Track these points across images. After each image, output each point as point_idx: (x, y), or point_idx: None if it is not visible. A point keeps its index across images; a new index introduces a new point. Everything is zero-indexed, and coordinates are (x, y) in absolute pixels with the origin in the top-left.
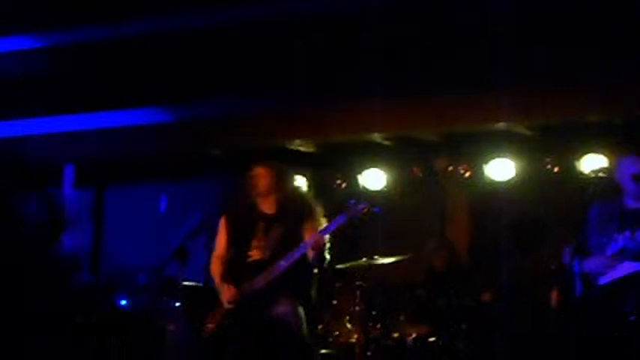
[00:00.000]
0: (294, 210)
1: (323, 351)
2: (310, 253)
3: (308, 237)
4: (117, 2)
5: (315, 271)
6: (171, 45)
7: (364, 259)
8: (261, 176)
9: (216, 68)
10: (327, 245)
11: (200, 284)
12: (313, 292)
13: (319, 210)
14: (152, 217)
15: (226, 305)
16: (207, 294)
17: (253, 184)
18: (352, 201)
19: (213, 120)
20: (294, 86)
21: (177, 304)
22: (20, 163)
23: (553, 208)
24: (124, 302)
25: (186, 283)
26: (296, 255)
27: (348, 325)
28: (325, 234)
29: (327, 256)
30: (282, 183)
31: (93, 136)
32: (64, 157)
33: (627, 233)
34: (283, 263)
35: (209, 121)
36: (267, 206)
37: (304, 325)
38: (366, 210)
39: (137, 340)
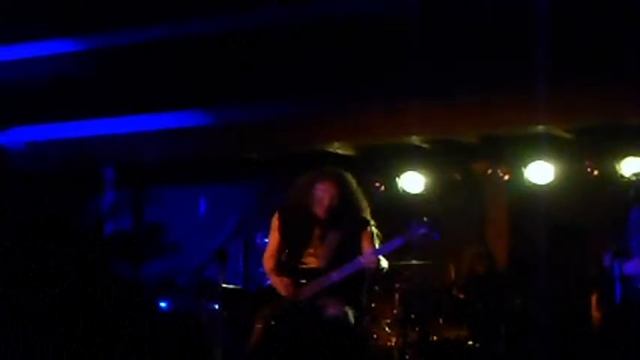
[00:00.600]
0: (354, 222)
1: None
2: (366, 269)
3: (365, 248)
4: (155, 4)
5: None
6: (212, 48)
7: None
8: (328, 192)
9: (256, 72)
10: (383, 261)
11: (239, 287)
12: (364, 299)
13: (372, 221)
14: (191, 219)
15: (284, 294)
16: (247, 297)
17: (318, 197)
18: (414, 223)
19: (253, 124)
20: (332, 90)
21: (217, 306)
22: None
23: (593, 212)
24: (164, 304)
25: (225, 285)
26: (349, 270)
27: (387, 329)
28: (380, 254)
29: (385, 265)
30: (345, 196)
31: (133, 139)
32: (104, 160)
33: None
34: (335, 276)
35: (248, 124)
36: (323, 211)
37: (354, 329)
38: (425, 235)
39: (177, 342)
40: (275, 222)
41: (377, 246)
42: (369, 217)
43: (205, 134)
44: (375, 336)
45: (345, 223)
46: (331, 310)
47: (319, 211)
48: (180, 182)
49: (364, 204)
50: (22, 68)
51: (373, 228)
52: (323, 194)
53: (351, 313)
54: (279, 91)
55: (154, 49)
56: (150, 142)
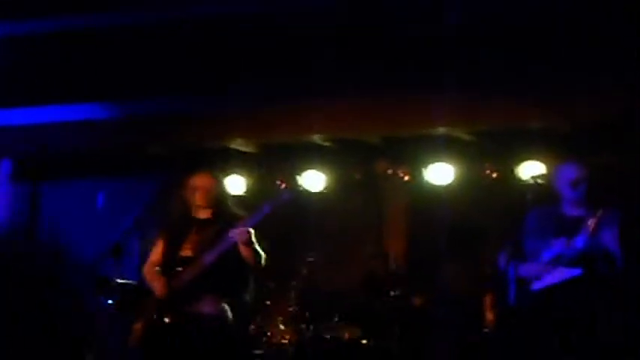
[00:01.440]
0: (228, 215)
1: (256, 351)
2: (243, 251)
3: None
4: None
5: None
6: (112, 40)
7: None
8: (205, 189)
9: (158, 66)
10: (255, 240)
11: (134, 283)
12: (248, 295)
13: (245, 215)
14: (89, 213)
15: (158, 295)
16: (141, 293)
17: (197, 197)
18: (283, 194)
19: (154, 118)
20: (236, 87)
21: (110, 301)
22: None
23: (491, 214)
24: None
25: (120, 280)
26: (221, 248)
27: (281, 326)
28: (250, 225)
29: (262, 252)
30: (220, 195)
31: (31, 131)
32: (1, 152)
33: (563, 239)
34: (208, 257)
35: (150, 118)
36: (204, 213)
37: (232, 326)
38: (290, 200)
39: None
40: (160, 237)
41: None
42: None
43: (104, 127)
44: (268, 333)
45: (220, 218)
46: (206, 309)
47: (195, 209)
48: (80, 176)
49: (231, 200)
50: None
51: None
52: (198, 193)
53: (228, 310)
54: (182, 86)
55: (55, 40)
56: (50, 134)
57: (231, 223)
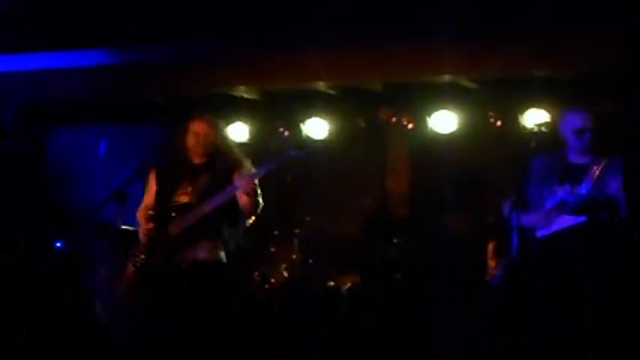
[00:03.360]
0: (223, 160)
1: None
2: (243, 199)
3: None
4: None
5: (251, 220)
6: None
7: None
8: (201, 134)
9: (160, 12)
10: (259, 191)
11: (135, 229)
12: (242, 240)
13: (248, 163)
14: (92, 160)
15: (144, 240)
16: (132, 238)
17: (191, 141)
18: (292, 151)
19: (157, 65)
20: (239, 33)
21: (111, 247)
22: None
23: (495, 162)
24: (59, 244)
25: (123, 227)
26: (221, 198)
27: (285, 273)
28: (254, 178)
29: (261, 201)
30: (217, 140)
31: (33, 78)
32: (4, 98)
33: (567, 187)
34: (208, 206)
35: (152, 66)
36: (199, 158)
37: (225, 272)
38: (295, 156)
39: (70, 281)
40: (151, 175)
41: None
42: (245, 162)
43: (107, 74)
44: (272, 280)
45: (218, 165)
46: (200, 254)
47: (191, 154)
48: (82, 123)
49: (236, 147)
50: None
51: (249, 166)
52: (195, 137)
53: (224, 255)
54: (185, 32)
55: None
56: (51, 82)
57: (229, 170)
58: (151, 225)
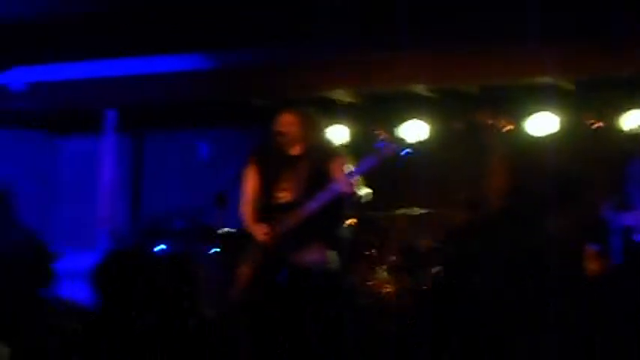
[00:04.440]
0: (321, 152)
1: (358, 301)
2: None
3: (336, 175)
4: None
5: (351, 221)
6: None
7: (401, 211)
8: (290, 123)
9: (261, 16)
10: (360, 184)
11: (237, 231)
12: (344, 236)
13: (342, 152)
14: (191, 163)
15: (262, 241)
16: (243, 240)
17: (282, 132)
18: (382, 144)
19: (256, 68)
20: (338, 36)
21: (214, 250)
22: None
23: (593, 164)
24: (161, 247)
25: (223, 229)
26: (326, 196)
27: (384, 275)
28: (355, 175)
29: (363, 192)
30: (310, 130)
31: (136, 82)
32: (106, 103)
33: None
34: (313, 204)
35: (252, 69)
36: (295, 150)
37: (339, 271)
38: (395, 152)
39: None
40: (250, 169)
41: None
42: (342, 153)
43: (208, 77)
44: (371, 283)
45: (313, 155)
46: (313, 256)
47: (287, 147)
48: (182, 126)
49: (330, 139)
50: (24, 6)
51: (344, 158)
52: (286, 127)
53: (334, 256)
54: (283, 35)
55: None
56: (153, 85)
57: (324, 161)
58: (260, 225)
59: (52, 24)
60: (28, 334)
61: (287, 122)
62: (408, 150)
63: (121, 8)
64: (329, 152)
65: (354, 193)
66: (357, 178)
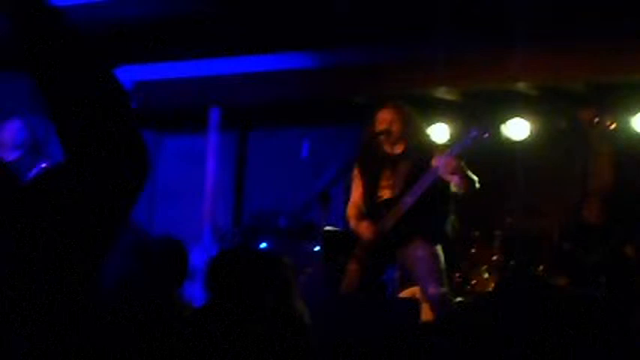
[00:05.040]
0: (422, 149)
1: (459, 299)
2: (454, 179)
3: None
4: None
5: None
6: None
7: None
8: (390, 121)
9: (363, 14)
10: (465, 168)
11: (340, 229)
12: (449, 228)
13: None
14: (294, 161)
15: (368, 240)
16: (347, 239)
17: (382, 130)
18: (473, 130)
19: (359, 66)
20: (440, 34)
21: (317, 248)
22: None
23: None
24: (264, 245)
25: (327, 228)
26: (421, 189)
27: (485, 275)
28: (452, 155)
29: (474, 177)
30: (410, 126)
31: (238, 80)
32: (209, 100)
33: None
34: (409, 199)
35: (354, 67)
36: (396, 148)
37: (442, 270)
38: (477, 138)
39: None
40: (355, 171)
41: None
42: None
43: (311, 76)
44: (474, 281)
45: (415, 153)
46: (418, 252)
47: (388, 145)
48: (284, 124)
49: (430, 135)
50: (128, 6)
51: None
52: (387, 125)
53: (439, 250)
54: (386, 33)
55: None
56: (256, 84)
57: (426, 156)
58: (364, 222)
59: (158, 23)
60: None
61: (386, 120)
62: (486, 133)
63: (226, 7)
64: (431, 149)
65: (465, 173)
66: (458, 162)
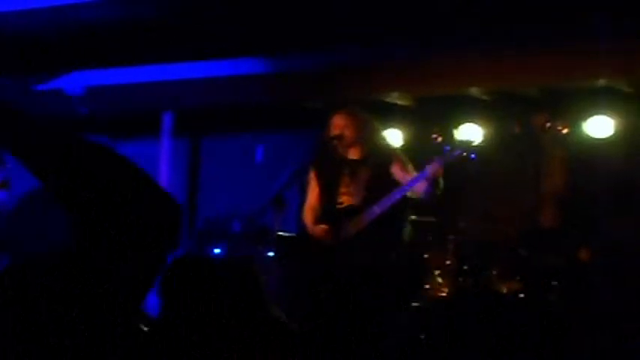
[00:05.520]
0: (380, 154)
1: (413, 304)
2: (423, 185)
3: (399, 176)
4: None
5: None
6: None
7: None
8: (344, 126)
9: (315, 19)
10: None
11: (294, 234)
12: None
13: (404, 156)
14: (248, 166)
15: (324, 243)
16: (300, 244)
17: (336, 135)
18: (447, 147)
19: (313, 72)
20: (393, 40)
21: (271, 253)
22: None
23: None
24: (218, 250)
25: (280, 232)
26: (390, 201)
27: (439, 279)
28: (422, 179)
29: (441, 183)
30: (365, 131)
31: (192, 85)
32: (162, 105)
33: None
34: (377, 209)
35: (308, 72)
36: (353, 153)
37: (403, 274)
38: (461, 156)
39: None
40: (312, 174)
41: (411, 171)
42: (402, 154)
43: (264, 81)
44: (426, 286)
45: (373, 158)
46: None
47: (344, 150)
48: (238, 129)
49: (387, 139)
50: (81, 12)
51: (405, 160)
52: (341, 129)
53: (402, 260)
54: (339, 39)
55: None
56: (209, 89)
57: (384, 162)
58: (322, 226)
59: (110, 28)
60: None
61: (339, 125)
62: (474, 154)
63: (178, 12)
64: (389, 154)
65: (433, 191)
66: (434, 178)
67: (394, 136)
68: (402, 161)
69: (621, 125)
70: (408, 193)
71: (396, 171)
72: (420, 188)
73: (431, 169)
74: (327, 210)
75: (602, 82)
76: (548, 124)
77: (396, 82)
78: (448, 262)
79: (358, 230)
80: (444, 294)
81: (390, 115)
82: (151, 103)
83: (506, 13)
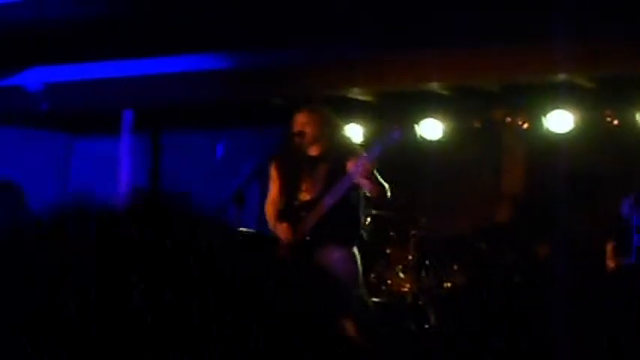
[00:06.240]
0: (339, 151)
1: (375, 299)
2: (365, 185)
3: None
4: None
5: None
6: None
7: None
8: (306, 123)
9: (278, 15)
10: (375, 174)
11: (255, 231)
12: (365, 234)
13: (362, 150)
14: (209, 163)
15: (285, 242)
16: (260, 242)
17: (299, 132)
18: (387, 129)
19: (273, 68)
20: (354, 36)
21: None
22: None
23: (612, 161)
24: None
25: (241, 229)
26: (341, 190)
27: (401, 275)
28: (368, 160)
29: (385, 184)
30: (327, 128)
31: (152, 82)
32: (123, 102)
33: None
34: (329, 200)
35: (269, 69)
36: (314, 150)
37: (360, 272)
38: (401, 137)
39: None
40: (272, 169)
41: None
42: (360, 150)
43: (225, 78)
44: (388, 281)
45: (332, 154)
46: (335, 255)
47: (305, 147)
48: (199, 126)
49: (348, 137)
50: (41, 7)
51: (362, 153)
52: (303, 127)
53: (356, 253)
54: (301, 35)
55: None
56: (170, 85)
57: (343, 158)
58: (284, 224)
59: (69, 25)
60: None
61: (301, 122)
62: (402, 132)
63: (138, 9)
64: (348, 151)
65: (376, 179)
66: (371, 167)
67: (355, 132)
68: (358, 157)
69: (581, 120)
70: (366, 192)
71: (350, 166)
72: (365, 187)
73: (360, 166)
74: (287, 206)
75: (561, 77)
76: (508, 119)
77: (356, 77)
78: (410, 257)
79: (313, 223)
80: (405, 289)
81: (352, 110)
82: (112, 100)
83: (467, 8)
